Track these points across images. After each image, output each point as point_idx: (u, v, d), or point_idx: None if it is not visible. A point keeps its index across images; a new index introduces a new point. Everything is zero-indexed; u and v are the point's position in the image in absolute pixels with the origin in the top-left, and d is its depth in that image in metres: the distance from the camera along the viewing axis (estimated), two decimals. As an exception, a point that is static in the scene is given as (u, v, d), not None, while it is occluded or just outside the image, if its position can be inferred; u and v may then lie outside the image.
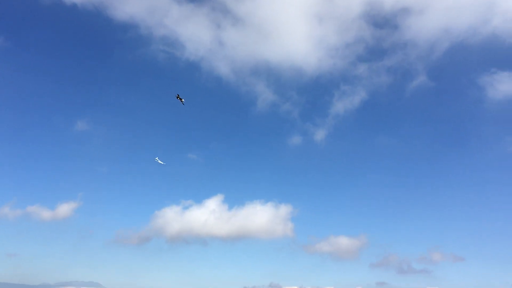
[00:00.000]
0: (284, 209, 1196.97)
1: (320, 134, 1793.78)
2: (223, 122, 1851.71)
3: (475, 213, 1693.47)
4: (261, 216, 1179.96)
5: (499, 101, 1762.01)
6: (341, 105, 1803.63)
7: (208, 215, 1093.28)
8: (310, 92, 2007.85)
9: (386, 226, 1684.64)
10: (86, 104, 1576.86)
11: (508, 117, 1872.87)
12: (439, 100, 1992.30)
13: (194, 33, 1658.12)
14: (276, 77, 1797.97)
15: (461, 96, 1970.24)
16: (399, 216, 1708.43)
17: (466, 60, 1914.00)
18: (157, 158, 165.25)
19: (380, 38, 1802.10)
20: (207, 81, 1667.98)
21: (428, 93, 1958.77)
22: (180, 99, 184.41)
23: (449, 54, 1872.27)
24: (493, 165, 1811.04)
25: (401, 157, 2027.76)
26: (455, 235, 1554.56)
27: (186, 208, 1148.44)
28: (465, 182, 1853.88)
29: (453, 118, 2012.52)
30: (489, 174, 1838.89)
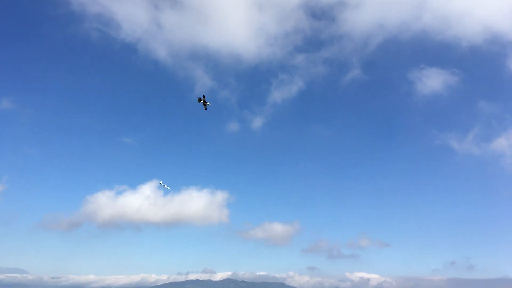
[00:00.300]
0: (220, 196, 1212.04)
1: (257, 122, 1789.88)
2: (160, 107, 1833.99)
3: (402, 202, 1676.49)
4: (197, 202, 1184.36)
5: (427, 96, 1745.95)
6: (278, 94, 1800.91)
7: (142, 200, 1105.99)
8: (249, 80, 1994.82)
9: (318, 213, 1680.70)
10: (11, 81, 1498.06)
11: (435, 111, 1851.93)
12: (372, 93, 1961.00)
13: (131, 13, 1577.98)
14: (214, 63, 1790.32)
15: (392, 90, 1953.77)
16: (330, 203, 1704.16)
17: (398, 55, 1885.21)
18: (161, 182, 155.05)
19: (318, 29, 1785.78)
20: (143, 63, 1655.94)
21: (362, 86, 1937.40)
22: (205, 102, 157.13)
23: (382, 49, 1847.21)
24: (420, 157, 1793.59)
25: (334, 147, 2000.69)
26: (382, 222, 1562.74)
27: (119, 193, 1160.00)
28: (394, 172, 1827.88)
29: (384, 111, 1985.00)
30: (416, 165, 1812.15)
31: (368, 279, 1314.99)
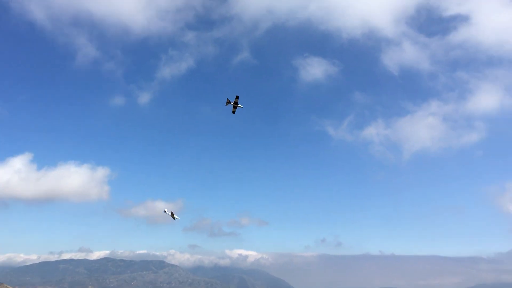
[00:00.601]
0: (102, 172, 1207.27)
1: (144, 98, 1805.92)
2: (35, 73, 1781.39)
3: (282, 183, 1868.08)
4: (75, 178, 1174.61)
5: (309, 84, 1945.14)
6: (167, 70, 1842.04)
7: (11, 175, 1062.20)
8: (137, 53, 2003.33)
9: (202, 192, 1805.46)
10: None
11: (315, 98, 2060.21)
12: (259, 77, 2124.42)
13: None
14: (99, 31, 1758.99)
15: (278, 75, 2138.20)
16: (215, 182, 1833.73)
17: (284, 41, 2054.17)
18: (165, 210, 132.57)
19: (210, 8, 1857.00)
20: (16, 25, 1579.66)
21: (251, 69, 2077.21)
22: (236, 104, 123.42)
23: (270, 34, 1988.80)
24: (300, 141, 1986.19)
25: (221, 127, 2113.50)
26: (263, 202, 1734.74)
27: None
28: (276, 153, 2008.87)
29: (270, 95, 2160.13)
30: (296, 148, 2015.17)
31: (247, 256, 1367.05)
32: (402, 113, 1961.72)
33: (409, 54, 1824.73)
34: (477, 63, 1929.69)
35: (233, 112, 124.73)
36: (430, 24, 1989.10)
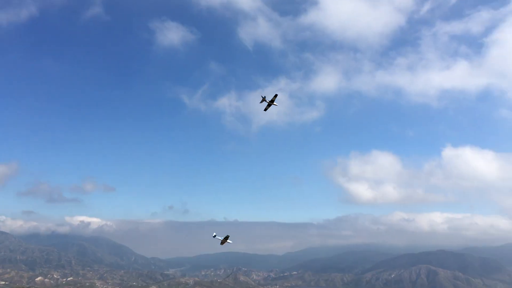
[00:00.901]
0: None
1: None
2: None
3: (130, 148, 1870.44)
4: None
5: (165, 48, 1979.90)
6: (3, 16, 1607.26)
7: None
8: None
9: (40, 154, 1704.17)
10: None
11: (171, 65, 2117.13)
12: (112, 36, 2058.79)
13: None
14: None
15: (133, 36, 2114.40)
16: (55, 143, 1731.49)
17: (141, 1, 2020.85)
18: (215, 234, 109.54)
19: None
20: None
21: (102, 26, 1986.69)
22: (272, 103, 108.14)
23: None
24: (152, 106, 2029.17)
25: (65, 83, 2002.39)
26: (109, 166, 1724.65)
27: None
28: (126, 117, 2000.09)
29: (123, 56, 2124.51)
30: (148, 114, 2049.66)
31: (89, 223, 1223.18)
32: (253, 86, 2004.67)
33: (263, 30, 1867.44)
34: (322, 46, 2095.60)
35: (265, 109, 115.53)
36: (284, 3, 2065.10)
